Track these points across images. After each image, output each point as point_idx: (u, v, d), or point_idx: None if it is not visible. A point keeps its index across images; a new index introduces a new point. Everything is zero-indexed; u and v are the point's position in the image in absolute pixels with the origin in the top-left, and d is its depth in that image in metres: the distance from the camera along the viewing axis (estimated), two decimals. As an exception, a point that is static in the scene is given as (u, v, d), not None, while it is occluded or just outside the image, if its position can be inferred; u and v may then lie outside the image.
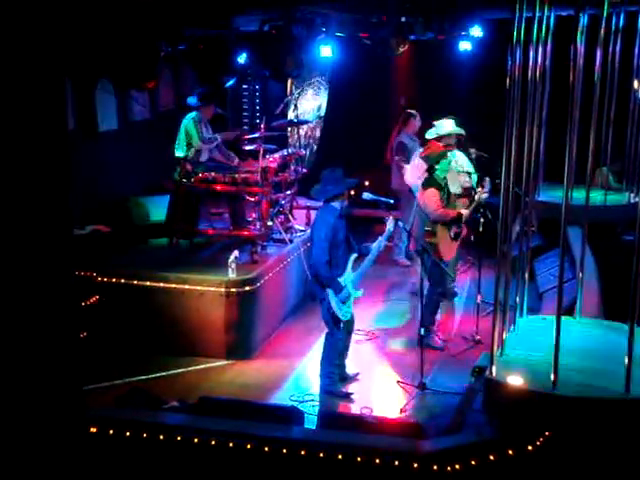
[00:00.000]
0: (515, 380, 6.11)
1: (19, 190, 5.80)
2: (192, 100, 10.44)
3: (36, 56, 5.77)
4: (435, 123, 10.00)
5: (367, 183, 12.23)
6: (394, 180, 11.86)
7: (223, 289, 8.82)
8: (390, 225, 7.99)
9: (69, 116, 10.12)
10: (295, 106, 13.25)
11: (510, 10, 6.23)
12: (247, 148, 10.69)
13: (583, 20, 6.73)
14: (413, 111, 11.89)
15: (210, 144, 10.25)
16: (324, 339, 8.10)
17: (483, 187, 9.18)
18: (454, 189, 9.09)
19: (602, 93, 9.36)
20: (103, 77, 10.86)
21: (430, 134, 9.94)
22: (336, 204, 7.84)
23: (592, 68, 7.47)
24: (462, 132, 9.98)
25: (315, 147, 14.45)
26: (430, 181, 9.06)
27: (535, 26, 6.61)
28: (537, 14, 6.63)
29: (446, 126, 9.92)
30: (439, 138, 9.80)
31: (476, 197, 9.17)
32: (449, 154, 9.29)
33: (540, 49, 6.73)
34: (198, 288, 8.86)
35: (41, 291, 6.01)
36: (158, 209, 10.79)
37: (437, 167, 9.02)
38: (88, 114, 10.99)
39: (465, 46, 12.07)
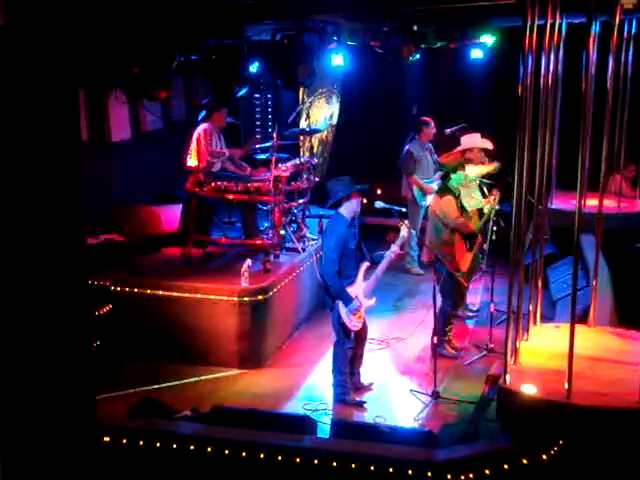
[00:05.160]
0: (529, 389, 6.09)
1: (33, 200, 5.83)
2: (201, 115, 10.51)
3: (50, 67, 5.80)
4: (462, 138, 10.09)
5: (379, 191, 12.26)
6: (403, 187, 11.91)
7: (236, 298, 8.82)
8: (404, 231, 7.95)
9: (82, 126, 10.16)
10: (307, 115, 13.26)
11: (522, 18, 6.23)
12: (259, 157, 10.71)
13: (595, 27, 6.72)
14: (427, 119, 11.90)
15: (217, 158, 10.27)
16: (333, 348, 8.10)
17: (493, 198, 9.17)
18: (467, 204, 9.07)
19: (614, 100, 9.33)
20: (116, 87, 10.91)
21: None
22: (345, 211, 7.83)
23: (604, 75, 7.45)
24: (487, 146, 10.00)
25: (327, 156, 14.46)
26: (445, 189, 9.04)
27: (547, 33, 6.61)
28: (549, 21, 6.63)
29: (469, 140, 9.99)
30: (463, 151, 9.85)
31: (485, 210, 9.15)
32: (467, 167, 9.30)
33: (552, 56, 6.73)
34: (211, 297, 8.87)
35: (54, 300, 6.03)
36: (171, 218, 10.82)
37: (452, 176, 9.01)
38: (101, 124, 11.04)
39: (477, 54, 12.06)
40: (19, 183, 5.77)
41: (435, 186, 11.08)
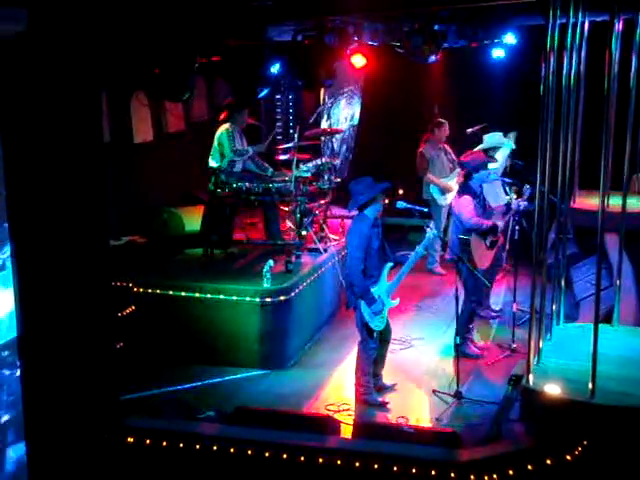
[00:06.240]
0: (552, 389, 6.07)
1: (56, 202, 5.87)
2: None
3: (72, 70, 5.84)
4: (484, 136, 10.04)
5: (401, 192, 12.22)
6: (424, 190, 11.85)
7: (258, 299, 8.82)
8: (430, 233, 7.94)
9: (105, 128, 10.23)
10: (328, 115, 13.26)
11: (544, 17, 6.20)
12: (281, 158, 10.72)
13: (618, 25, 6.68)
14: (441, 119, 11.86)
15: (241, 156, 10.29)
16: (357, 348, 8.10)
17: (522, 195, 9.14)
18: (491, 201, 9.03)
19: (638, 98, 9.26)
20: (138, 89, 10.96)
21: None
22: (370, 212, 7.81)
23: (627, 73, 7.41)
24: (509, 146, 9.96)
25: (349, 156, 14.46)
26: (465, 188, 9.02)
27: (569, 32, 6.58)
28: (571, 20, 6.60)
29: (491, 139, 9.95)
30: (485, 150, 9.82)
31: (513, 206, 9.12)
32: (490, 166, 9.27)
33: (574, 55, 6.70)
34: (233, 298, 8.88)
35: (78, 302, 6.07)
36: (193, 219, 10.86)
37: (474, 175, 8.98)
38: (123, 126, 11.10)
39: (498, 53, 12.03)
40: (42, 185, 5.81)
41: (454, 183, 11.07)
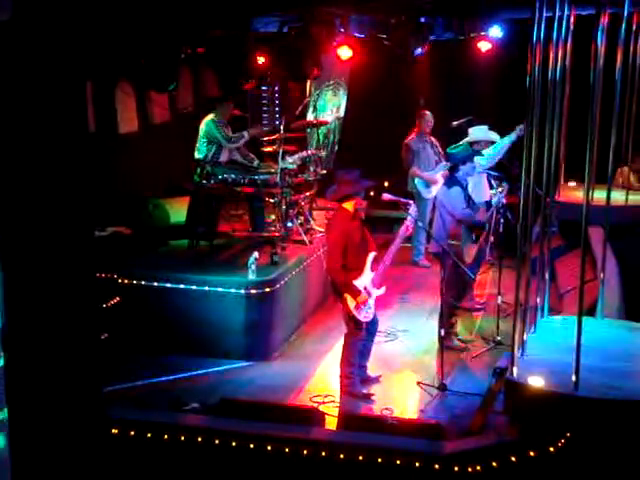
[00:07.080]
0: (536, 381, 6.09)
1: (40, 193, 5.84)
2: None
3: (57, 60, 5.80)
4: (469, 129, 10.06)
5: (386, 184, 12.21)
6: (409, 182, 11.84)
7: (243, 290, 8.82)
8: (410, 214, 7.93)
9: (89, 119, 10.18)
10: (314, 107, 13.24)
11: (530, 10, 6.21)
12: (266, 149, 10.71)
13: (603, 19, 6.70)
14: (424, 111, 11.86)
15: (237, 142, 10.26)
16: (343, 340, 8.10)
17: (502, 191, 9.16)
18: (476, 197, 9.04)
19: (623, 92, 9.29)
20: (123, 79, 10.92)
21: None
22: (349, 206, 7.80)
23: (613, 67, 7.43)
24: (494, 138, 9.98)
25: (334, 148, 14.45)
26: (454, 181, 9.01)
27: (555, 25, 6.60)
28: (557, 13, 6.61)
29: (476, 133, 9.97)
30: (471, 144, 9.82)
31: (492, 202, 9.13)
32: (475, 159, 9.27)
33: (560, 48, 6.71)
34: (218, 289, 8.87)
35: (63, 293, 6.04)
36: (178, 211, 10.84)
37: (461, 167, 8.97)
38: (108, 116, 11.05)
39: (485, 46, 12.04)
40: (26, 175, 5.78)
41: (439, 176, 11.06)
